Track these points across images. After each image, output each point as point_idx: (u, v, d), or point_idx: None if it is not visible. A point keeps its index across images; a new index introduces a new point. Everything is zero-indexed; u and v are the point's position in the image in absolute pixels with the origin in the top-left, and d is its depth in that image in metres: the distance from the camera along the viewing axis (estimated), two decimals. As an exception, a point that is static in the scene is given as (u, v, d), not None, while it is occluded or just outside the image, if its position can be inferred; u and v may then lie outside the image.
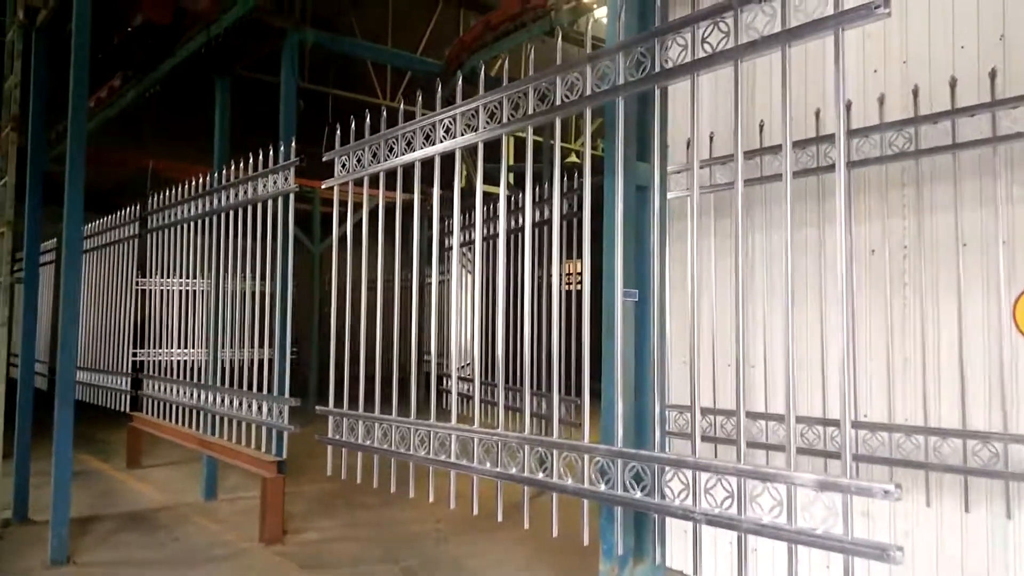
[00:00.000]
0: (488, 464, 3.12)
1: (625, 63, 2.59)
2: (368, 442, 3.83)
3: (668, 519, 2.88)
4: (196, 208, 5.75)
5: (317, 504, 6.15)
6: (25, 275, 6.54)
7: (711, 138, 4.05)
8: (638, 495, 2.50)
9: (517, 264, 5.07)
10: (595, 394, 2.80)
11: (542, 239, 5.60)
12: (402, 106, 3.73)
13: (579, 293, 2.95)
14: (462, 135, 3.32)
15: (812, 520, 2.06)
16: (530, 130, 3.05)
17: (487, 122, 3.21)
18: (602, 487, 2.62)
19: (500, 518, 3.17)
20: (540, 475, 2.88)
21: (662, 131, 2.70)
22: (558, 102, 2.84)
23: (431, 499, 3.51)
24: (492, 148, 3.28)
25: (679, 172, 4.12)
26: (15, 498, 5.77)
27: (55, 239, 9.19)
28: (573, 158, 13.56)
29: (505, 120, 3.08)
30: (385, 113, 3.78)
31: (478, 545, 5.02)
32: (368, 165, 3.97)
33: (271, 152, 4.86)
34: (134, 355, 7.01)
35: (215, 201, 5.45)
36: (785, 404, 2.16)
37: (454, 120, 3.41)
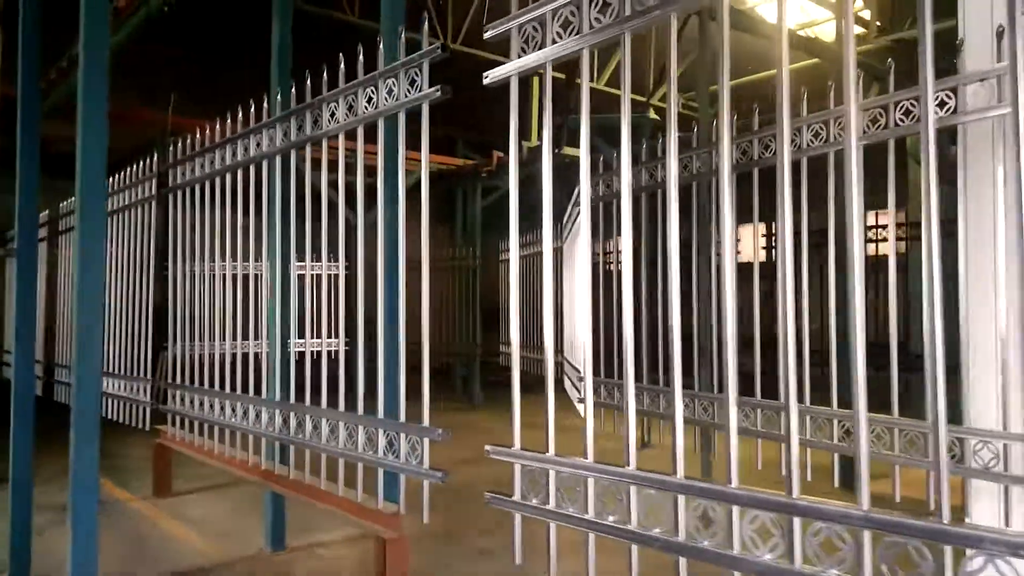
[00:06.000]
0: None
1: None
2: (611, 519, 2.15)
3: None
4: (252, 147, 3.99)
5: (424, 551, 4.48)
6: (19, 248, 4.86)
7: None
8: None
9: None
10: None
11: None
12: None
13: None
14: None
15: None
16: None
17: None
18: None
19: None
20: None
21: None
22: None
23: None
24: None
25: None
26: (13, 555, 4.15)
27: (48, 211, 7.52)
28: (652, 114, 11.72)
29: None
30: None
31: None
32: (586, 30, 2.26)
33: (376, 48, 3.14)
34: (164, 347, 5.34)
35: (290, 130, 3.69)
36: None
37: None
